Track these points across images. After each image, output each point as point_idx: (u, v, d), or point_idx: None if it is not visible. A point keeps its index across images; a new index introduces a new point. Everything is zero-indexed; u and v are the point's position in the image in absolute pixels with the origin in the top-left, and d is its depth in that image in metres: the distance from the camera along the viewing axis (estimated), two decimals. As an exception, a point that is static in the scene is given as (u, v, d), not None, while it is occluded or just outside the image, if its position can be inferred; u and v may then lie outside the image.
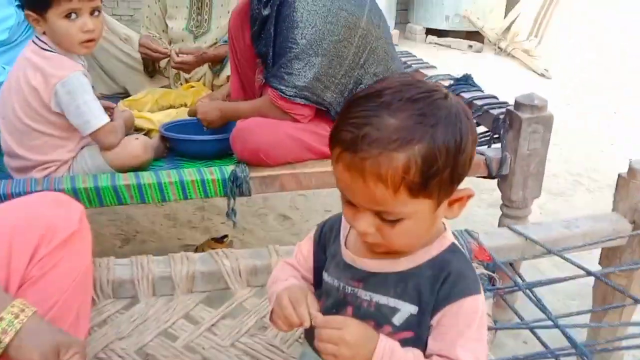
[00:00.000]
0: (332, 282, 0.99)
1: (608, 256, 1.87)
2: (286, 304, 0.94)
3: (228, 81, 2.54)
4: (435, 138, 0.79)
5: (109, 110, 1.98)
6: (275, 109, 1.94)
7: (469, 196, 0.88)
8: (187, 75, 2.81)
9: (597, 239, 1.75)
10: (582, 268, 1.53)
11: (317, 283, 1.07)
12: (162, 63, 2.85)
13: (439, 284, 0.89)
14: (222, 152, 2.11)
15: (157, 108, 2.55)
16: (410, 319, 0.91)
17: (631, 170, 1.76)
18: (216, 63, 2.75)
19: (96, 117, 1.81)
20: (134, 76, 2.84)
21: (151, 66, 2.81)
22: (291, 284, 1.02)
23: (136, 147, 1.89)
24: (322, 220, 1.10)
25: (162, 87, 2.81)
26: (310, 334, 1.04)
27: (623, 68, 5.61)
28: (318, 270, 1.06)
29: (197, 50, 2.64)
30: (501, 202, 2.12)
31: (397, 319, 0.91)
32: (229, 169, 1.88)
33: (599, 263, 1.91)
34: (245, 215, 3.03)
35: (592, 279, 1.78)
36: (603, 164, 3.75)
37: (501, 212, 2.14)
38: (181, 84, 2.81)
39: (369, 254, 0.94)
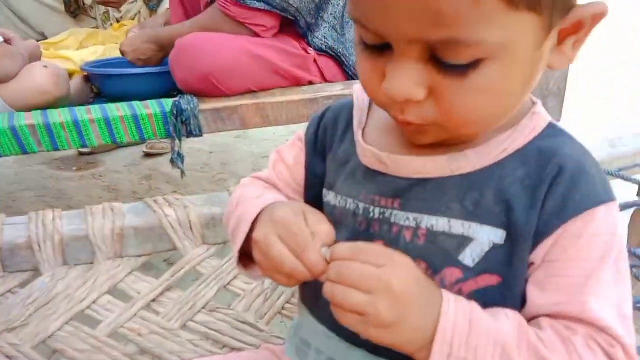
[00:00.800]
0: (345, 204, 0.58)
1: (654, 184, 1.51)
2: (279, 251, 0.51)
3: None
4: None
5: (6, 40, 1.49)
6: (227, 20, 1.48)
7: (599, 17, 0.47)
8: (118, 14, 2.32)
9: (641, 161, 1.38)
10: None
11: None
12: (88, 0, 2.35)
13: (545, 187, 0.50)
14: (166, 92, 1.64)
15: (82, 51, 2.06)
16: (494, 253, 0.50)
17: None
18: (150, -4, 2.26)
19: (-20, 34, 1.32)
20: (54, 18, 2.34)
21: (74, 4, 2.30)
22: (271, 202, 0.58)
23: (44, 78, 1.41)
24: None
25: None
26: (311, 293, 0.61)
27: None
28: (313, 190, 0.65)
29: None
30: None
31: (470, 256, 0.51)
32: (170, 101, 1.42)
33: (638, 194, 1.56)
34: (201, 182, 2.59)
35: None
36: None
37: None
38: (111, 25, 2.32)
39: (408, 149, 0.54)
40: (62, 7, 2.32)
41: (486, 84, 0.44)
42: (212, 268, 1.02)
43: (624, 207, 1.25)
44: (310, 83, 1.58)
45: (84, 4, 2.34)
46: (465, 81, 0.44)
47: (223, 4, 1.46)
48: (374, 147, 0.56)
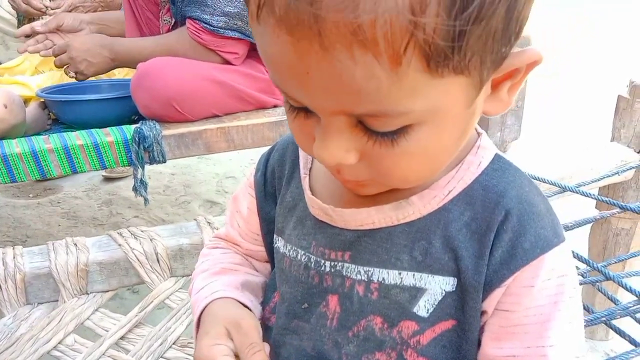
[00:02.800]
0: (296, 255, 0.57)
1: (607, 196, 1.56)
2: None
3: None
4: None
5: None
6: (197, 46, 1.46)
7: (534, 64, 0.44)
8: (74, 38, 2.26)
9: (599, 175, 1.42)
10: (616, 203, 1.18)
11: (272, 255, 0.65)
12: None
13: (492, 235, 0.49)
14: (126, 117, 1.60)
15: (38, 76, 2.00)
16: (447, 300, 0.50)
17: (635, 88, 1.44)
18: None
19: None
20: (7, 42, 2.26)
21: (26, 21, 2.23)
22: (209, 303, 0.60)
23: (-3, 106, 1.36)
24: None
25: (44, 53, 2.24)
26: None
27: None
28: (272, 236, 0.63)
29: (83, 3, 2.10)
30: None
31: (425, 307, 0.50)
32: (131, 128, 1.39)
33: (596, 207, 1.60)
34: (164, 206, 2.54)
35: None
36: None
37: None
38: (68, 48, 2.26)
39: (353, 198, 0.53)
40: (12, 29, 2.25)
41: (417, 147, 0.42)
42: (181, 301, 1.00)
43: (582, 222, 1.29)
44: (275, 106, 1.58)
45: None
46: (396, 147, 0.42)
47: (194, 32, 1.44)
48: (319, 196, 0.55)
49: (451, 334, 0.51)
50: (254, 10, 0.39)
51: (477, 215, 0.49)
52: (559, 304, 0.48)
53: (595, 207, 1.60)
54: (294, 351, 0.56)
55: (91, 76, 1.55)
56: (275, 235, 0.61)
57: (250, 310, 0.60)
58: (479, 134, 0.53)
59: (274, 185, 0.62)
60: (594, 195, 1.23)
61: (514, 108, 1.69)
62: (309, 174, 0.58)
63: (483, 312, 0.50)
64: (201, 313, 0.59)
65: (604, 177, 1.38)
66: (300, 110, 0.44)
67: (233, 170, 2.82)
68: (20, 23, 2.23)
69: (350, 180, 0.47)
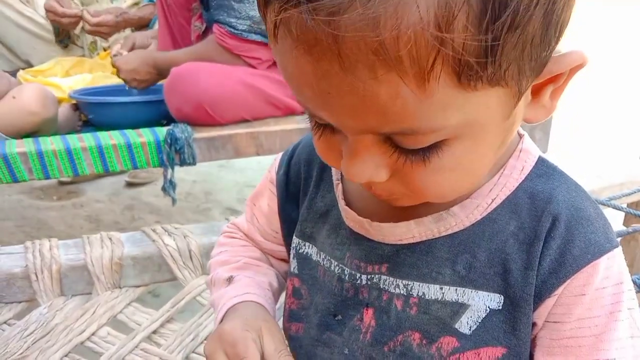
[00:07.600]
0: (329, 265, 0.55)
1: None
2: None
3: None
4: None
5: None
6: (223, 52, 1.49)
7: (578, 67, 0.41)
8: (105, 44, 2.31)
9: (629, 190, 1.41)
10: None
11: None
12: (77, 29, 2.34)
13: (540, 243, 0.46)
14: (155, 121, 1.63)
15: (69, 79, 2.04)
16: (492, 320, 0.47)
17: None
18: (141, 27, 2.26)
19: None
20: (40, 46, 2.32)
21: (64, 34, 2.29)
22: (237, 300, 0.58)
23: (31, 99, 1.38)
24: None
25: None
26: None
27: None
28: (290, 236, 0.62)
29: (117, 9, 2.15)
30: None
31: (467, 323, 0.48)
32: (163, 130, 1.41)
33: (624, 223, 1.59)
34: (185, 212, 2.55)
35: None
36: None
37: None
38: (98, 54, 2.31)
39: (390, 211, 0.50)
40: (49, 36, 2.30)
41: (452, 162, 0.40)
42: (213, 298, 1.01)
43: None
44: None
45: (73, 33, 2.33)
46: (428, 164, 0.39)
47: (220, 36, 1.47)
48: (354, 207, 0.53)
49: None
50: (271, 29, 0.37)
51: (524, 225, 0.47)
52: (616, 314, 0.45)
53: (623, 224, 1.58)
54: None
55: (145, 87, 1.63)
56: (299, 240, 0.59)
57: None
58: (520, 136, 0.50)
59: (299, 185, 0.60)
60: (625, 208, 1.21)
61: (541, 123, 1.69)
62: (342, 180, 0.56)
63: (533, 325, 0.48)
64: (228, 309, 0.58)
65: (634, 192, 1.37)
66: (326, 127, 0.42)
67: (253, 179, 2.84)
68: (56, 30, 2.28)
69: (382, 194, 0.45)
